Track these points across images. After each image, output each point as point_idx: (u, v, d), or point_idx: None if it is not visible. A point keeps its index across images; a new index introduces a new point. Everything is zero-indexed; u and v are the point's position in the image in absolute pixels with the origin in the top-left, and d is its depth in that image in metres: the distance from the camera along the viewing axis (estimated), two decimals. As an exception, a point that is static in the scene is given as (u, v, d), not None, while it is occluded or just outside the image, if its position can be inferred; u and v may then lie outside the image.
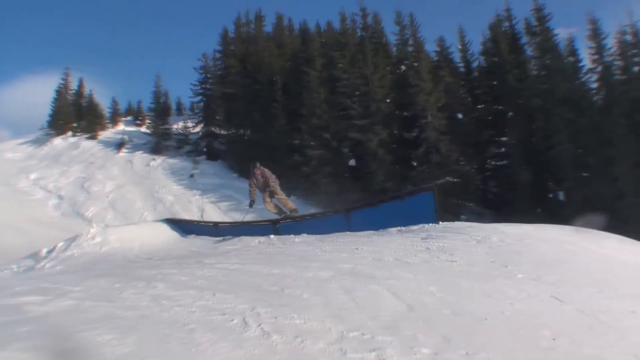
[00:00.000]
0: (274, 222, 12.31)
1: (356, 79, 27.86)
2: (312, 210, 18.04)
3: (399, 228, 8.89)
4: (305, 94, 28.42)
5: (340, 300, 4.33)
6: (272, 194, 12.56)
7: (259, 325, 3.68)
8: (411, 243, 6.94)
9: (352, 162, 27.67)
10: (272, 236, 10.70)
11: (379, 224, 9.46)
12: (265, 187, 12.49)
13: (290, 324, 3.72)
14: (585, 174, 23.08)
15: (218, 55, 39.06)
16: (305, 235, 10.08)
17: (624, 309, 4.84)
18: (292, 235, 10.30)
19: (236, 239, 11.22)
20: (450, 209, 20.06)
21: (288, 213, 12.43)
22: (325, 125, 27.33)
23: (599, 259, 6.93)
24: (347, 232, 9.56)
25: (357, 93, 27.39)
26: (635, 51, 25.24)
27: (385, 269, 5.41)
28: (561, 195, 24.10)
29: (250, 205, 12.85)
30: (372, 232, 9.00)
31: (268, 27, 40.11)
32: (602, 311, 4.61)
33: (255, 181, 12.55)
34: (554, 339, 3.69)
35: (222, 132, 36.35)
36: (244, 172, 30.85)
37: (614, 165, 21.79)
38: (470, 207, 24.36)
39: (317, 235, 9.53)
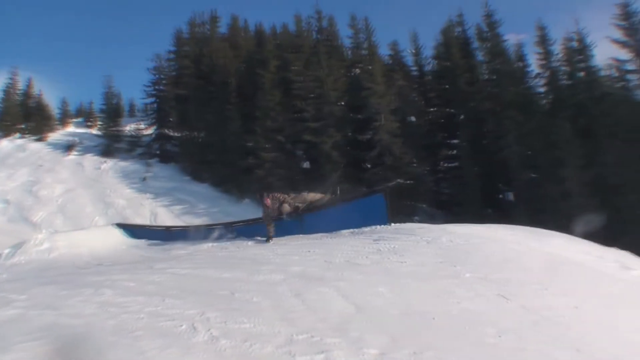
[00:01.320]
0: (227, 225, 12.21)
1: (310, 82, 27.89)
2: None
3: (351, 230, 8.98)
4: (259, 96, 28.22)
5: (290, 303, 4.34)
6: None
7: (208, 330, 3.65)
8: (362, 245, 7.01)
9: (306, 165, 27.69)
10: (225, 240, 10.64)
11: (333, 227, 9.52)
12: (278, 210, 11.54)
13: (239, 328, 3.71)
14: (533, 175, 23.73)
15: (171, 56, 38.34)
16: (258, 238, 10.07)
17: (566, 305, 5.01)
18: (245, 239, 10.27)
19: (188, 243, 11.10)
20: (403, 210, 20.25)
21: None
22: (280, 128, 27.28)
23: (543, 257, 7.15)
24: (301, 235, 9.59)
25: (312, 96, 27.41)
26: (580, 57, 26.09)
27: (336, 270, 5.45)
28: (510, 196, 24.69)
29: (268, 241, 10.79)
30: (325, 234, 9.05)
31: (223, 29, 39.89)
32: (546, 307, 4.76)
33: (267, 212, 11.22)
34: (499, 336, 3.79)
35: (175, 134, 35.73)
36: (197, 174, 30.59)
37: (561, 166, 22.46)
38: (423, 208, 24.66)
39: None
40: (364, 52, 31.01)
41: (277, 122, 27.33)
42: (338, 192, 12.28)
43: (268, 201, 11.38)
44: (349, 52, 32.69)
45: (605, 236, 11.32)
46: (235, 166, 27.74)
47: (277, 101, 27.89)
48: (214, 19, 39.48)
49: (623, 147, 21.77)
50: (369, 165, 25.68)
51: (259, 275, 5.41)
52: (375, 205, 9.66)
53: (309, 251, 6.69)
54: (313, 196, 12.19)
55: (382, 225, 9.00)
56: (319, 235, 9.02)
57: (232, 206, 26.01)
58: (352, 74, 29.97)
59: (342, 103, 27.34)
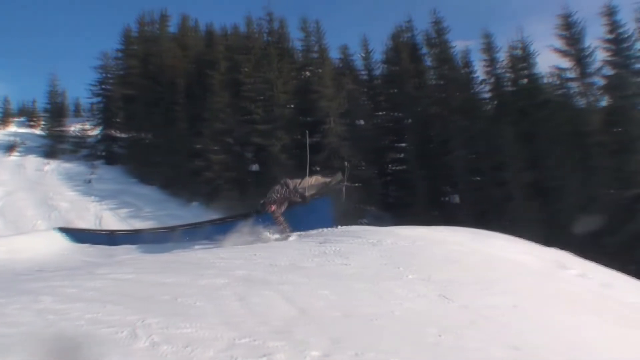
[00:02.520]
0: (172, 228, 12.08)
1: (260, 84, 27.85)
2: (214, 216, 17.81)
3: (298, 233, 9.02)
4: (208, 97, 27.99)
5: (233, 307, 4.33)
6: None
7: (149, 336, 3.60)
8: (308, 247, 7.05)
9: (254, 167, 27.60)
10: (170, 243, 10.53)
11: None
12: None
13: (180, 333, 3.67)
14: (477, 178, 24.38)
15: (119, 54, 37.53)
16: (205, 241, 10.00)
17: (506, 304, 5.16)
18: (191, 242, 10.19)
19: (133, 247, 10.94)
20: (352, 213, 20.46)
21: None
22: (228, 130, 27.14)
23: (484, 258, 7.34)
24: (248, 238, 9.57)
25: (261, 98, 27.41)
26: (523, 65, 26.95)
27: (280, 274, 5.46)
28: (456, 198, 25.25)
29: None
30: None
31: (173, 28, 39.11)
32: (486, 307, 4.89)
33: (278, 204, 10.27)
34: (439, 335, 3.87)
35: (122, 135, 35.05)
36: (144, 177, 30.04)
37: (503, 170, 23.19)
38: (371, 210, 24.95)
39: (217, 242, 9.48)
40: (314, 55, 31.14)
41: (226, 124, 27.19)
42: (345, 175, 11.50)
43: (273, 208, 10.10)
44: (300, 55, 32.72)
45: (546, 236, 11.71)
46: (183, 168, 27.42)
47: (226, 103, 27.75)
48: (163, 18, 38.78)
49: (562, 151, 22.63)
50: (317, 169, 25.81)
51: (202, 279, 5.37)
52: (322, 208, 9.77)
53: (254, 254, 6.67)
54: (316, 179, 11.46)
55: (329, 228, 9.09)
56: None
57: (180, 209, 25.68)
58: (302, 76, 30.07)
59: (292, 106, 27.41)
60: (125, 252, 10.59)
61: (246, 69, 28.82)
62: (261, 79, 27.92)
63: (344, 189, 11.00)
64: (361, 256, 6.43)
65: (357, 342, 3.52)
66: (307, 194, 10.62)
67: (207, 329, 3.73)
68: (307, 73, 30.47)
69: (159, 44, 35.88)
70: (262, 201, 10.33)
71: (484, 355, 3.74)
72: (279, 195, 10.19)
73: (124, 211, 26.10)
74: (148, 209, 26.05)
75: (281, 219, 9.82)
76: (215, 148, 26.82)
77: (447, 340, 3.85)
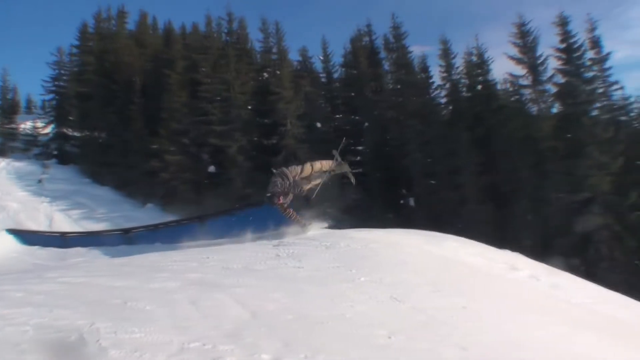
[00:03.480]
0: (126, 231, 11.89)
1: (218, 84, 27.63)
2: (170, 218, 17.60)
3: (253, 235, 9.02)
4: (165, 97, 27.58)
5: (184, 311, 4.29)
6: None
7: (97, 341, 3.53)
8: (262, 250, 7.04)
9: (211, 169, 27.37)
10: (123, 246, 10.39)
11: (235, 232, 9.52)
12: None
13: (130, 338, 3.61)
14: (433, 182, 24.78)
15: (74, 50, 36.60)
16: (158, 244, 9.89)
17: (455, 305, 5.25)
18: (144, 245, 10.06)
19: (85, 250, 10.72)
20: (311, 216, 20.51)
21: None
22: (185, 130, 26.83)
23: (436, 259, 7.47)
24: (202, 241, 9.50)
25: (218, 98, 27.19)
26: (479, 71, 27.57)
27: (233, 277, 5.43)
28: (412, 201, 25.59)
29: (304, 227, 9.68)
30: (226, 240, 9.03)
31: (131, 25, 38.30)
32: (436, 308, 4.97)
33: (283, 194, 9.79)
34: (389, 337, 3.92)
35: (75, 133, 34.15)
36: (98, 177, 29.40)
37: (458, 173, 23.65)
38: (330, 213, 25.02)
39: (171, 245, 9.39)
40: (273, 56, 31.08)
41: (182, 124, 26.85)
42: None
43: (280, 200, 9.69)
44: (259, 56, 32.62)
45: (500, 239, 12.01)
46: (138, 169, 26.96)
47: (183, 103, 27.40)
48: (121, 14, 37.86)
49: (516, 156, 23.21)
50: (274, 171, 25.77)
51: (154, 282, 5.30)
52: (278, 210, 9.78)
53: (207, 257, 6.63)
54: (322, 165, 11.08)
55: (285, 231, 9.11)
56: (222, 240, 8.99)
57: (135, 211, 25.22)
58: (261, 78, 29.97)
59: (250, 107, 27.30)
60: (77, 255, 10.36)
61: (204, 69, 28.51)
62: (219, 80, 27.67)
63: (352, 178, 11.22)
64: (315, 259, 6.46)
65: (307, 345, 3.53)
66: (306, 186, 10.52)
67: (157, 334, 3.68)
68: (266, 74, 30.39)
69: (116, 41, 35.06)
70: (268, 194, 9.78)
71: (433, 356, 3.79)
72: (281, 189, 9.71)
73: (76, 212, 25.41)
74: (102, 211, 25.48)
75: (290, 211, 9.61)
76: (172, 149, 26.44)
77: (397, 341, 3.89)
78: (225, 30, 32.22)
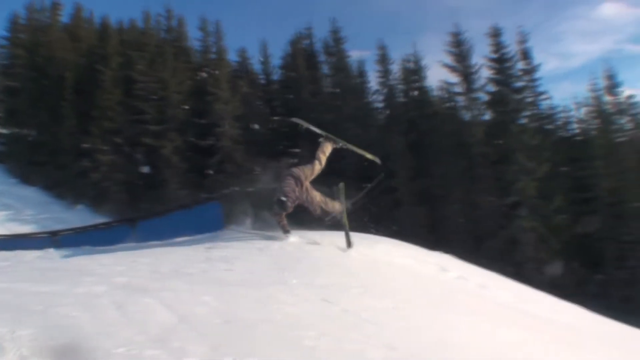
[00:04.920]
0: (54, 233, 11.51)
1: (154, 83, 27.07)
2: (101, 220, 17.11)
3: (185, 238, 8.90)
4: (98, 94, 26.81)
5: (110, 316, 4.19)
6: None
7: (18, 349, 3.43)
8: (193, 253, 6.96)
9: (145, 169, 26.79)
10: (50, 250, 10.03)
11: (168, 234, 9.38)
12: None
13: (53, 345, 3.52)
14: (367, 185, 25.09)
15: (3, 42, 34.73)
16: (87, 247, 9.61)
17: (385, 306, 5.34)
18: (73, 248, 9.75)
19: (10, 254, 10.25)
20: (245, 218, 20.41)
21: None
22: (118, 129, 26.15)
23: (368, 261, 7.56)
24: (133, 243, 9.29)
25: (154, 97, 26.64)
26: (415, 78, 28.21)
27: (162, 280, 5.34)
28: (348, 205, 25.81)
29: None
30: (158, 242, 8.87)
31: (65, 18, 36.68)
32: (366, 309, 5.03)
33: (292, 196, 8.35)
34: (317, 339, 3.96)
35: (2, 131, 32.72)
36: (26, 177, 28.23)
37: (393, 177, 24.08)
38: (265, 216, 24.93)
39: (100, 248, 9.14)
40: (212, 56, 30.72)
41: (116, 123, 26.16)
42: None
43: (283, 217, 8.52)
44: (197, 55, 32.14)
45: (433, 241, 12.28)
46: (69, 169, 26.10)
47: (117, 101, 26.70)
48: (55, 6, 36.26)
49: (448, 161, 23.87)
50: (210, 172, 25.51)
51: (80, 287, 5.14)
52: (212, 212, 9.72)
53: (136, 260, 6.48)
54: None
55: (218, 233, 9.04)
56: (152, 243, 8.82)
57: (65, 212, 24.37)
58: (198, 77, 29.55)
59: (186, 107, 26.87)
60: (2, 259, 9.88)
61: (140, 67, 27.83)
62: (155, 78, 27.11)
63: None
64: (247, 262, 6.44)
65: (236, 348, 3.52)
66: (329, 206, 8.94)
67: (81, 340, 3.60)
68: (204, 74, 29.98)
69: (49, 34, 33.64)
70: (282, 199, 8.08)
71: (360, 357, 3.86)
72: (295, 195, 8.24)
73: (2, 214, 24.21)
74: (29, 212, 24.45)
75: (284, 222, 8.47)
76: (104, 148, 25.72)
77: (325, 343, 3.93)
78: (164, 28, 31.69)
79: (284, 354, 3.59)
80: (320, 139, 9.51)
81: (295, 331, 4.11)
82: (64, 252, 9.45)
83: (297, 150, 27.93)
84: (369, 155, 10.01)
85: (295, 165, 8.89)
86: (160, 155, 25.17)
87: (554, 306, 10.30)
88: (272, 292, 5.13)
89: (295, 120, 9.90)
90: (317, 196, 8.68)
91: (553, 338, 6.94)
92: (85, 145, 26.18)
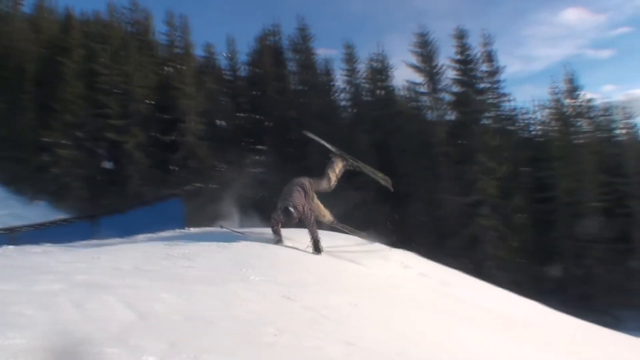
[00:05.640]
0: (11, 230, 11.26)
1: (117, 76, 26.61)
2: (61, 216, 16.76)
3: (147, 235, 8.81)
4: (60, 87, 26.22)
5: (69, 314, 4.12)
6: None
7: (-28, 349, 3.38)
8: (154, 250, 6.89)
9: (107, 165, 26.37)
10: (7, 247, 9.80)
11: (129, 231, 9.29)
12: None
13: (8, 344, 3.44)
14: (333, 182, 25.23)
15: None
16: (47, 245, 9.40)
17: (345, 303, 5.41)
18: (31, 245, 9.52)
19: None
20: (209, 215, 20.30)
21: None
22: (80, 123, 25.64)
23: (331, 258, 7.67)
24: (93, 240, 9.14)
25: (117, 91, 26.21)
26: (381, 77, 28.44)
27: (122, 278, 5.27)
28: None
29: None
30: (119, 239, 8.75)
31: (27, 8, 35.34)
32: (326, 306, 5.09)
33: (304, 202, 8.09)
34: (276, 335, 4.02)
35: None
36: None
37: (357, 175, 24.19)
38: (228, 213, 24.79)
39: (60, 245, 8.95)
40: (177, 50, 30.33)
41: (77, 117, 25.63)
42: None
43: (279, 224, 8.04)
44: (163, 50, 31.67)
45: (396, 238, 12.42)
46: (28, 163, 25.48)
47: (79, 94, 26.17)
48: (18, -5, 35.49)
49: (412, 160, 24.16)
50: (174, 168, 25.25)
51: (37, 285, 5.02)
52: (173, 209, 9.67)
53: (96, 257, 6.39)
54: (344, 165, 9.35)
55: (179, 230, 8.99)
56: (114, 240, 8.69)
57: (24, 208, 23.75)
58: (163, 72, 29.18)
59: (149, 101, 26.49)
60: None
61: (103, 59, 27.29)
62: (118, 71, 26.65)
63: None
64: (208, 258, 6.44)
65: (194, 345, 3.52)
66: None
67: (38, 339, 3.55)
68: (169, 69, 29.61)
69: (9, 24, 32.69)
70: (290, 209, 7.67)
71: (319, 353, 3.91)
72: (301, 208, 7.84)
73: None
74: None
75: (279, 229, 8.03)
76: (65, 142, 25.21)
77: (284, 339, 3.97)
78: (129, 21, 31.18)
79: (242, 351, 3.62)
80: (332, 156, 9.29)
81: (255, 328, 4.14)
82: (21, 249, 9.24)
83: (261, 147, 27.94)
84: (381, 179, 9.86)
85: (304, 175, 8.74)
86: (123, 151, 24.79)
87: (513, 302, 10.58)
88: (233, 289, 5.14)
89: (307, 134, 9.68)
90: (315, 210, 8.52)
91: (511, 333, 7.15)
92: (45, 139, 25.56)
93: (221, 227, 8.41)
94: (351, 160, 9.29)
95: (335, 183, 8.94)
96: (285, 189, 8.25)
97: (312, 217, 7.99)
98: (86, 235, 9.78)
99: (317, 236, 7.78)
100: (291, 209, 7.61)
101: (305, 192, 8.13)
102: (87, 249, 7.58)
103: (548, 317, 10.67)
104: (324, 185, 8.73)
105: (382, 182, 9.65)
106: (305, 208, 7.82)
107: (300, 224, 7.95)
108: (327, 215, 8.93)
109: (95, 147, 26.15)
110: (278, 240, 7.89)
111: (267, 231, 8.35)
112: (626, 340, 11.94)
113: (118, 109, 25.56)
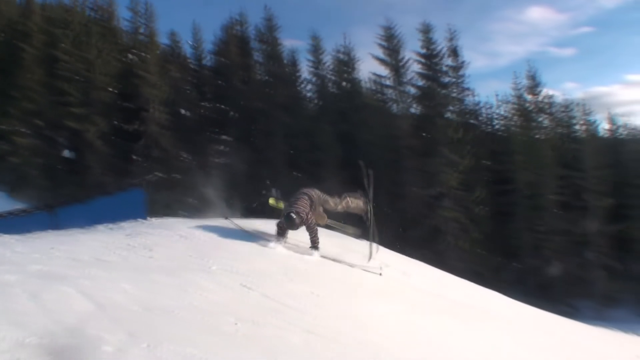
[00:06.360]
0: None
1: (78, 63, 25.94)
2: (18, 206, 16.33)
3: (107, 225, 8.68)
4: (18, 73, 25.50)
5: (23, 306, 4.03)
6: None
7: None
8: (114, 240, 6.81)
9: (67, 154, 25.78)
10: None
11: (89, 221, 9.12)
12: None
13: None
14: (297, 174, 25.29)
15: None
16: (2, 236, 9.16)
17: (304, 292, 5.49)
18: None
19: None
20: (171, 205, 20.09)
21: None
22: (39, 111, 24.98)
23: (291, 249, 7.70)
24: (51, 231, 8.94)
25: (78, 78, 25.56)
26: (346, 69, 28.51)
27: (80, 268, 5.19)
28: (274, 192, 25.87)
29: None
30: (78, 230, 8.58)
31: None
32: (286, 295, 5.16)
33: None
34: (235, 324, 4.04)
35: None
36: None
37: (321, 166, 24.37)
38: (191, 203, 24.57)
39: (16, 235, 8.73)
40: (141, 38, 29.67)
41: (36, 104, 24.97)
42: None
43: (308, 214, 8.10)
44: (126, 36, 30.93)
45: (358, 230, 12.48)
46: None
47: (38, 81, 25.49)
48: (-26, -22, 34.32)
49: (374, 152, 24.38)
50: (137, 157, 24.85)
51: (-10, 276, 4.95)
52: (134, 199, 9.55)
53: (53, 248, 6.27)
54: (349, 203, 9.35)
55: (140, 220, 8.88)
56: (72, 231, 8.53)
57: (-21, 198, 23.11)
58: (126, 59, 28.56)
59: (112, 89, 25.94)
60: None
61: (64, 45, 26.56)
62: (80, 58, 25.96)
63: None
64: (168, 248, 6.42)
65: (152, 335, 3.52)
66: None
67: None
68: (132, 56, 28.99)
69: (-36, 7, 31.72)
70: (292, 215, 7.80)
71: (279, 341, 3.97)
72: (305, 216, 7.95)
73: None
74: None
75: (284, 233, 8.11)
76: (24, 131, 24.57)
77: (244, 328, 4.01)
78: (91, 6, 30.38)
79: (201, 340, 3.64)
80: (359, 193, 9.52)
81: (215, 317, 4.17)
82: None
83: (225, 137, 27.73)
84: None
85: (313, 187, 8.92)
86: (84, 140, 24.19)
87: (474, 292, 10.81)
88: (193, 279, 5.15)
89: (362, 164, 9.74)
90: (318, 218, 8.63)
91: (472, 322, 7.31)
92: (3, 127, 24.91)
93: (226, 218, 8.36)
94: (368, 214, 9.31)
95: (341, 210, 9.13)
96: (293, 196, 8.50)
97: (315, 225, 8.13)
98: (44, 225, 9.56)
99: (317, 240, 7.98)
100: (293, 215, 7.73)
101: (312, 201, 8.31)
102: (45, 239, 7.42)
103: (508, 306, 10.94)
104: (330, 203, 8.95)
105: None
106: (309, 215, 7.94)
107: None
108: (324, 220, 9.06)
109: (55, 135, 25.49)
110: (279, 240, 7.92)
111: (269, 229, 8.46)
112: (583, 329, 12.35)
113: (79, 97, 24.90)
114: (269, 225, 8.65)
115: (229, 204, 23.34)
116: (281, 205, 9.04)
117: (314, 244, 7.90)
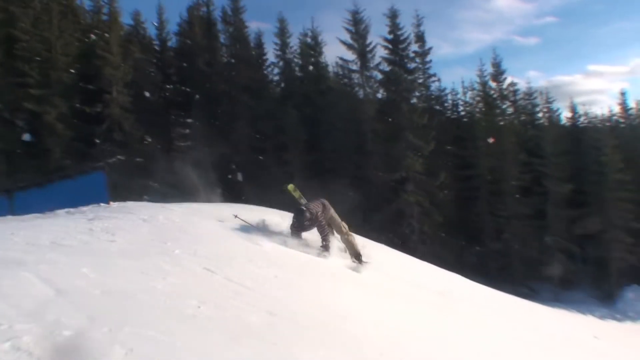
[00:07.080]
0: None
1: (38, 43, 25.21)
2: None
3: (68, 210, 8.54)
4: (-26, 53, 24.72)
5: None
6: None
7: None
8: (75, 225, 6.71)
9: (26, 137, 25.08)
10: None
11: (49, 206, 8.95)
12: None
13: None
14: (260, 157, 25.28)
15: None
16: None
17: (268, 275, 5.52)
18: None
19: None
20: (133, 189, 19.84)
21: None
22: (-4, 93, 24.28)
23: (254, 232, 7.72)
24: (9, 216, 8.75)
25: (38, 59, 24.87)
26: (312, 53, 28.52)
27: (39, 253, 5.10)
28: (240, 176, 25.85)
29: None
30: (37, 215, 8.44)
31: None
32: (249, 278, 5.17)
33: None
34: (198, 307, 4.05)
35: None
36: None
37: (285, 150, 24.42)
38: (155, 187, 24.29)
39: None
40: (104, 17, 28.97)
41: (-7, 86, 24.26)
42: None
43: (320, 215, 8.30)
44: (87, 16, 30.15)
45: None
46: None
47: (-5, 61, 24.75)
48: None
49: (339, 136, 24.50)
50: (97, 140, 24.39)
51: (-57, 263, 4.83)
52: (96, 183, 9.41)
53: (11, 233, 6.14)
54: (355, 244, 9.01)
55: (102, 204, 8.77)
56: (31, 215, 8.37)
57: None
58: (88, 39, 27.88)
59: (73, 70, 25.33)
60: None
61: (23, 24, 25.73)
62: (39, 38, 25.22)
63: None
64: (129, 232, 6.35)
65: (113, 318, 3.50)
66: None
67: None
68: (94, 36, 28.30)
69: None
70: (302, 208, 8.13)
71: (239, 322, 3.99)
72: (315, 215, 8.10)
73: None
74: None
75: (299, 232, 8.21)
76: (-20, 113, 23.86)
77: (206, 310, 4.02)
78: (51, -17, 29.53)
79: (163, 323, 3.63)
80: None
81: (176, 300, 4.16)
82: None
83: (189, 120, 27.45)
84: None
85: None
86: (43, 122, 23.59)
87: (436, 275, 11.02)
88: (155, 263, 5.12)
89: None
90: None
91: (434, 305, 7.46)
92: (-42, 110, 24.11)
93: (235, 216, 8.28)
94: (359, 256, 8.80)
95: (340, 237, 8.92)
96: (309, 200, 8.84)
97: (326, 225, 8.32)
98: (2, 211, 9.36)
99: (328, 240, 8.16)
100: (303, 208, 8.05)
101: (324, 207, 8.51)
102: (3, 224, 7.26)
103: (469, 289, 11.18)
104: (337, 222, 8.94)
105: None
106: (319, 215, 8.15)
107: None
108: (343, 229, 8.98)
109: (14, 118, 24.77)
110: (294, 235, 8.11)
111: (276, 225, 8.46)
112: (542, 310, 12.71)
113: (39, 78, 24.21)
114: (275, 219, 8.62)
115: (193, 188, 23.29)
116: (298, 193, 9.25)
117: (325, 245, 8.05)
